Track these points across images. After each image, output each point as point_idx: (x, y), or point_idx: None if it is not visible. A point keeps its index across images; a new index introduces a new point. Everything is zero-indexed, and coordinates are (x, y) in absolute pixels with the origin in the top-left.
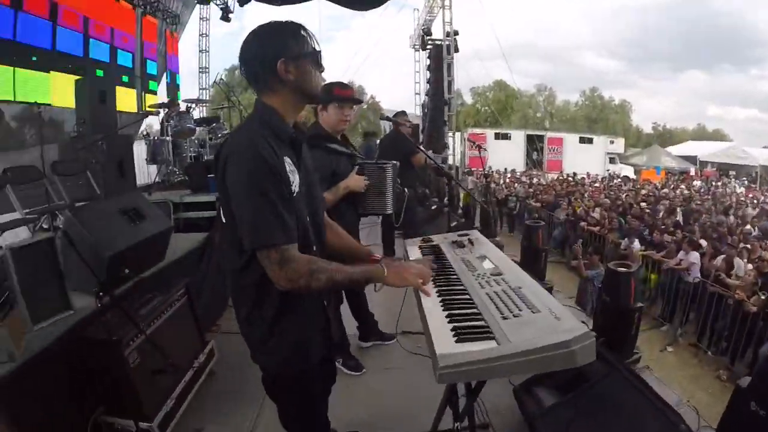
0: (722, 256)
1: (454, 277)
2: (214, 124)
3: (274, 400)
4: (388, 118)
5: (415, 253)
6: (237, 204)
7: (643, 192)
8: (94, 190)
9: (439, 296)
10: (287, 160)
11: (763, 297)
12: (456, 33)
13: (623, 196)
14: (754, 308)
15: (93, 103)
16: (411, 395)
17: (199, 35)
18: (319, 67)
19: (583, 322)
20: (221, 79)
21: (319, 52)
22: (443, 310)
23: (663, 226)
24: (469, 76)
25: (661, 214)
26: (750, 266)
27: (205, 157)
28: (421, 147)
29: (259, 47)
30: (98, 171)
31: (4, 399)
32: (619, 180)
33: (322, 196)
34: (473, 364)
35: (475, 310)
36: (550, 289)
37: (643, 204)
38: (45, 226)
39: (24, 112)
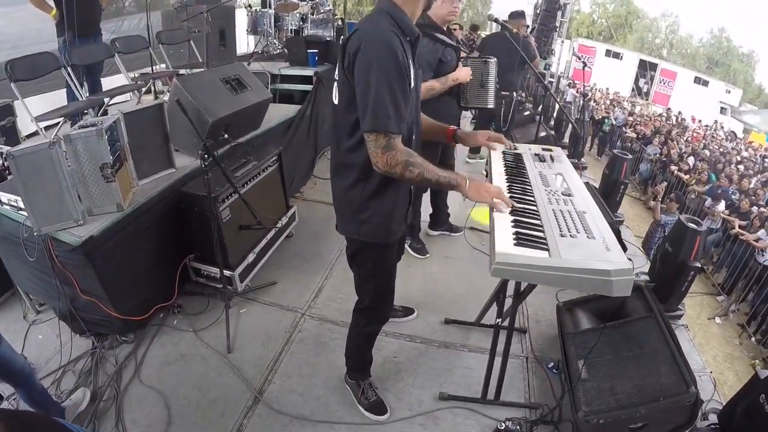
0: None
1: (528, 187)
2: (317, 0)
3: (355, 268)
4: (497, 21)
5: (497, 157)
6: (361, 89)
7: (744, 154)
8: (197, 58)
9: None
10: (409, 57)
11: None
12: None
13: (720, 151)
14: None
15: None
16: (464, 286)
17: None
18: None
19: (630, 259)
20: None
21: None
22: (511, 215)
23: (754, 197)
24: None
25: (754, 182)
26: None
27: (306, 32)
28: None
29: None
30: (200, 40)
31: (112, 242)
32: (725, 134)
33: (421, 89)
34: (523, 267)
35: (538, 222)
36: (620, 223)
37: (741, 167)
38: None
39: None
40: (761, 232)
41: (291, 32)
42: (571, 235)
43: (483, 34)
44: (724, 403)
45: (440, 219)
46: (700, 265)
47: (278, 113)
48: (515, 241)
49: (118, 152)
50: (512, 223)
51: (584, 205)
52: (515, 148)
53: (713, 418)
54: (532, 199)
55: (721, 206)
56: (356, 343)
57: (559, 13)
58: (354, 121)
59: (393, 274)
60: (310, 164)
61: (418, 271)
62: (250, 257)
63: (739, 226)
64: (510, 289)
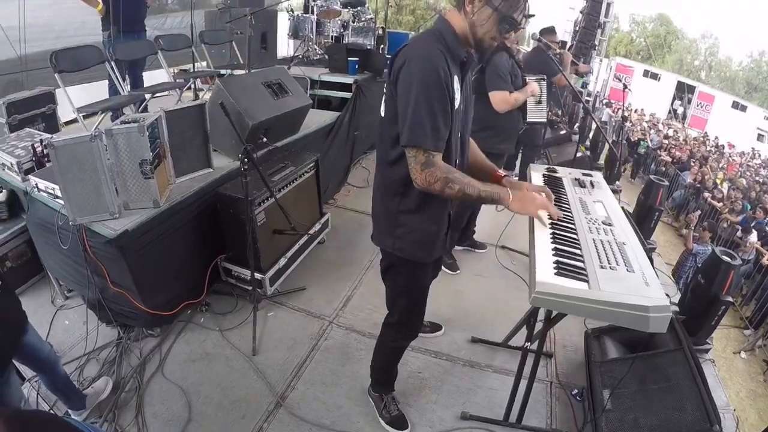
0: None
1: (569, 214)
2: (359, 8)
3: (387, 282)
4: (540, 40)
5: (537, 178)
6: (403, 103)
7: None
8: (238, 59)
9: (551, 227)
10: (455, 79)
11: None
12: None
13: (759, 180)
14: None
15: None
16: (492, 306)
17: None
18: (503, 30)
19: (666, 294)
20: None
21: (516, 23)
22: (551, 242)
23: None
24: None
25: None
26: None
27: (346, 39)
28: (564, 71)
29: None
30: (242, 41)
31: (146, 237)
32: (761, 162)
33: (472, 114)
34: (562, 298)
35: (578, 251)
36: (652, 250)
37: None
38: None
39: None
40: None
41: (332, 39)
42: (611, 267)
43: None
44: None
45: (466, 234)
46: (732, 300)
47: (316, 119)
48: (555, 271)
49: (157, 149)
50: (553, 251)
51: (624, 236)
52: (555, 171)
53: None
54: (572, 226)
55: (754, 237)
56: (383, 357)
57: (599, 31)
58: (396, 135)
59: (425, 292)
60: (345, 172)
61: (448, 287)
62: (282, 261)
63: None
64: (541, 314)
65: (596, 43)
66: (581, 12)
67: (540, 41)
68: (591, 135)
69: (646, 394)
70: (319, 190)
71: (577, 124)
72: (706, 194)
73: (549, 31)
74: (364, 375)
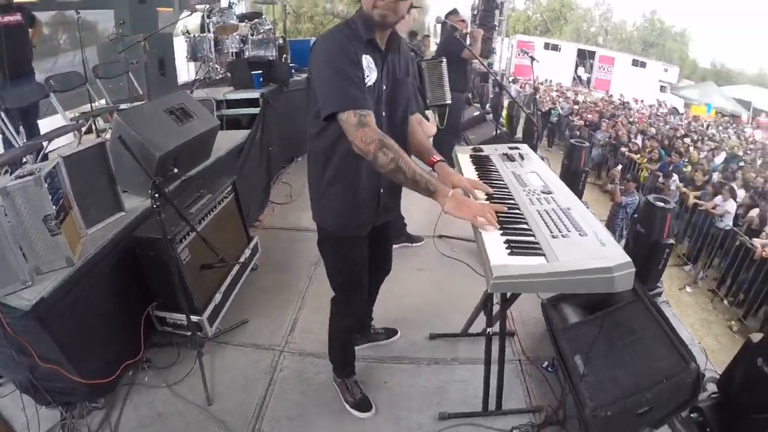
0: (757, 210)
1: (506, 190)
2: (256, 20)
3: (323, 259)
4: (445, 22)
5: (466, 162)
6: (318, 80)
7: (691, 127)
8: (137, 90)
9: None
10: (366, 57)
11: None
12: None
13: (668, 127)
14: None
15: (132, 3)
16: (443, 297)
17: None
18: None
19: None
20: None
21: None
22: (498, 228)
23: (704, 167)
24: None
25: (704, 154)
26: None
27: (247, 54)
28: (474, 47)
29: None
30: (140, 71)
31: (65, 301)
32: (667, 110)
33: (411, 101)
34: (523, 277)
35: (525, 226)
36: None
37: (687, 140)
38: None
39: (57, 17)
40: (718, 199)
41: (232, 55)
42: (563, 235)
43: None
44: (716, 371)
45: (397, 230)
46: (673, 242)
47: (228, 140)
48: (509, 251)
49: (61, 200)
50: (500, 231)
51: (567, 201)
52: (481, 150)
53: (712, 387)
54: (513, 202)
55: (675, 180)
56: (333, 338)
57: (497, 12)
58: (316, 111)
59: (359, 269)
60: (265, 190)
61: (394, 289)
62: (217, 297)
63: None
64: (496, 296)
65: (496, 24)
66: None
67: (445, 24)
68: (504, 112)
69: (617, 350)
70: (242, 214)
71: (488, 104)
72: (623, 149)
73: (453, 13)
74: (329, 398)
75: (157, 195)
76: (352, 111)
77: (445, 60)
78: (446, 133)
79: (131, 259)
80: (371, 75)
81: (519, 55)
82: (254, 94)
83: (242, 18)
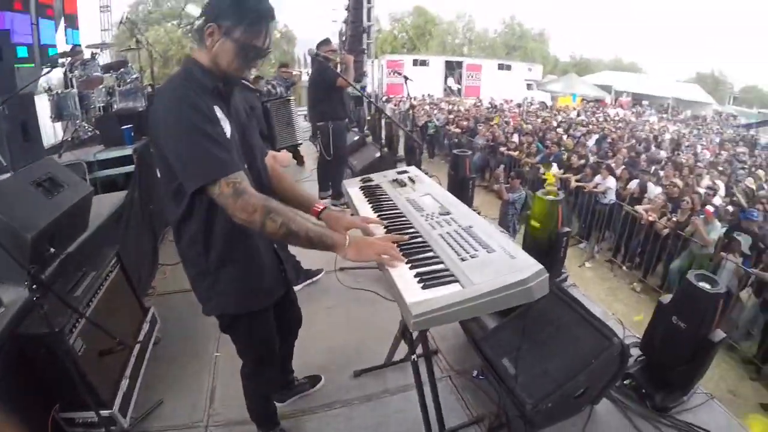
0: (636, 181)
1: (403, 218)
2: (121, 69)
3: (232, 338)
4: (317, 55)
5: (357, 196)
6: (173, 149)
7: (560, 118)
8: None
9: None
10: (216, 108)
11: (673, 219)
12: None
13: (540, 121)
14: (666, 229)
15: None
16: (358, 332)
17: None
18: (249, 62)
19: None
20: (126, 18)
21: (262, 50)
22: (402, 256)
23: (580, 152)
24: (387, 1)
25: (577, 139)
26: (660, 189)
27: (115, 107)
28: (347, 74)
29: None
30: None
31: None
32: (537, 106)
33: (261, 144)
34: (443, 309)
35: (432, 254)
36: (478, 214)
37: (559, 130)
38: None
39: None
40: (597, 178)
41: (100, 110)
42: (471, 256)
43: (294, 71)
44: (635, 335)
45: (295, 270)
46: (569, 229)
47: (105, 205)
48: (421, 285)
49: None
50: (408, 265)
51: (467, 219)
52: (371, 180)
53: (636, 351)
54: (414, 230)
55: (555, 169)
56: (253, 400)
57: (365, 36)
58: (176, 188)
59: (273, 340)
60: (153, 253)
61: (308, 334)
62: (124, 384)
63: (576, 180)
64: None
65: (365, 47)
66: (344, 22)
67: (318, 56)
68: (383, 133)
69: (541, 344)
70: (133, 286)
71: (366, 127)
72: (502, 149)
73: (324, 43)
74: None
75: (34, 285)
76: (223, 180)
77: (293, 98)
78: (335, 165)
79: (21, 360)
80: (226, 127)
81: (390, 74)
82: (127, 151)
83: (107, 69)
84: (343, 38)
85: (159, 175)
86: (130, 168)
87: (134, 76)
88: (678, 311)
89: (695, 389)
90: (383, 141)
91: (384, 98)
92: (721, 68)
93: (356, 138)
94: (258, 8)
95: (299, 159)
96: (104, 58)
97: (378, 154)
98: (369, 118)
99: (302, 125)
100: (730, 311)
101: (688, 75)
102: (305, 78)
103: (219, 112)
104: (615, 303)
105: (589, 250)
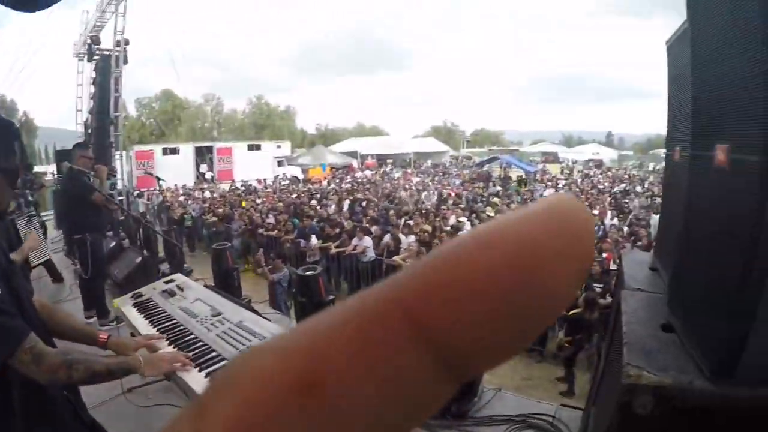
0: (389, 235)
1: (181, 327)
2: None
3: None
4: (66, 167)
5: (132, 314)
6: None
7: (312, 190)
8: None
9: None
10: None
11: None
12: (127, 42)
13: (294, 196)
14: None
15: None
16: None
17: None
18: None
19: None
20: None
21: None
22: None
23: (334, 219)
24: (133, 84)
25: (331, 208)
26: (413, 238)
27: None
28: (102, 187)
29: None
30: None
31: None
32: (288, 181)
33: (25, 284)
34: None
35: (215, 353)
36: (249, 302)
37: (313, 202)
38: None
39: None
40: (354, 240)
41: None
42: (247, 347)
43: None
44: None
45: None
46: (333, 296)
47: None
48: None
49: None
50: (197, 369)
51: (237, 315)
52: (141, 294)
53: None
54: (193, 336)
55: (314, 240)
56: None
57: (112, 128)
58: None
59: None
60: None
61: None
62: None
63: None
64: None
65: (112, 140)
66: (90, 112)
67: (72, 169)
68: (140, 233)
69: None
70: None
71: (121, 230)
72: (260, 230)
73: (81, 147)
74: None
75: None
76: (19, 349)
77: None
78: (97, 281)
79: None
80: None
81: (139, 167)
82: None
83: None
84: (89, 130)
85: None
86: None
87: None
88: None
89: (482, 389)
90: (141, 243)
91: (135, 192)
92: (453, 119)
93: (113, 244)
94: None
95: (56, 275)
96: None
97: (138, 259)
98: (123, 218)
99: (51, 234)
100: None
101: (425, 129)
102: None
103: None
104: None
105: None
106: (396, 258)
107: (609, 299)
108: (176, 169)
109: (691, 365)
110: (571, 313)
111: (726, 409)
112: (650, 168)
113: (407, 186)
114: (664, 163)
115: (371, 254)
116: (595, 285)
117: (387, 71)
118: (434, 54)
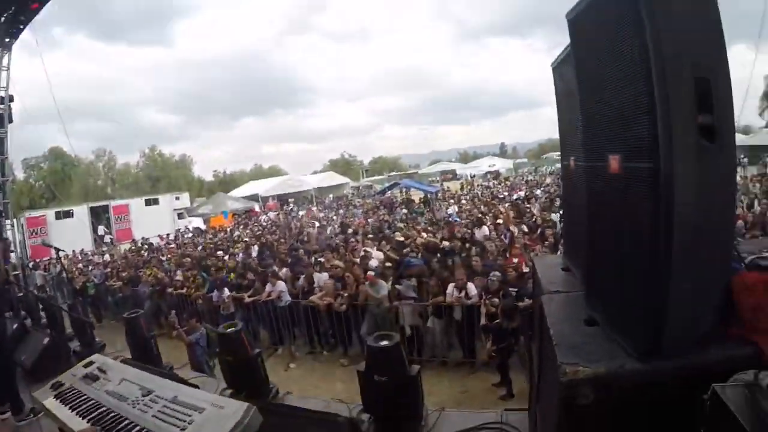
0: (303, 276)
1: (114, 414)
2: None
3: None
4: None
5: (58, 408)
6: None
7: (217, 240)
8: None
9: None
10: None
11: (344, 295)
12: (11, 99)
13: (200, 248)
14: (343, 306)
15: None
16: None
17: None
18: None
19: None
20: None
21: None
22: None
23: (245, 268)
24: (18, 143)
25: (239, 256)
26: (326, 275)
27: None
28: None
29: None
30: None
31: None
32: (192, 233)
33: None
34: None
35: None
36: (171, 369)
37: (219, 252)
38: None
39: None
40: (268, 287)
41: None
42: (189, 423)
43: None
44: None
45: None
46: (259, 350)
47: None
48: None
49: None
50: None
51: (170, 391)
52: (61, 384)
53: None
54: (129, 422)
55: (226, 292)
56: None
57: (1, 195)
58: None
59: None
60: None
61: None
62: None
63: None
64: None
65: (1, 209)
66: None
67: None
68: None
69: None
70: None
71: (23, 311)
72: (169, 290)
73: None
74: None
75: None
76: None
77: None
78: (4, 373)
79: None
80: None
81: (32, 235)
82: None
83: None
84: None
85: None
86: None
87: None
88: (377, 370)
89: (426, 411)
90: (45, 321)
91: (31, 264)
92: (350, 150)
93: (15, 327)
94: None
95: None
96: None
97: (46, 340)
98: (21, 294)
99: None
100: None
101: (323, 164)
102: None
103: None
104: (334, 384)
105: (288, 353)
106: (313, 298)
107: (528, 301)
108: (72, 234)
109: (619, 351)
110: (495, 322)
111: (658, 384)
112: (545, 171)
113: (312, 223)
114: (559, 165)
115: (287, 298)
116: (510, 289)
117: (283, 110)
118: (327, 88)
